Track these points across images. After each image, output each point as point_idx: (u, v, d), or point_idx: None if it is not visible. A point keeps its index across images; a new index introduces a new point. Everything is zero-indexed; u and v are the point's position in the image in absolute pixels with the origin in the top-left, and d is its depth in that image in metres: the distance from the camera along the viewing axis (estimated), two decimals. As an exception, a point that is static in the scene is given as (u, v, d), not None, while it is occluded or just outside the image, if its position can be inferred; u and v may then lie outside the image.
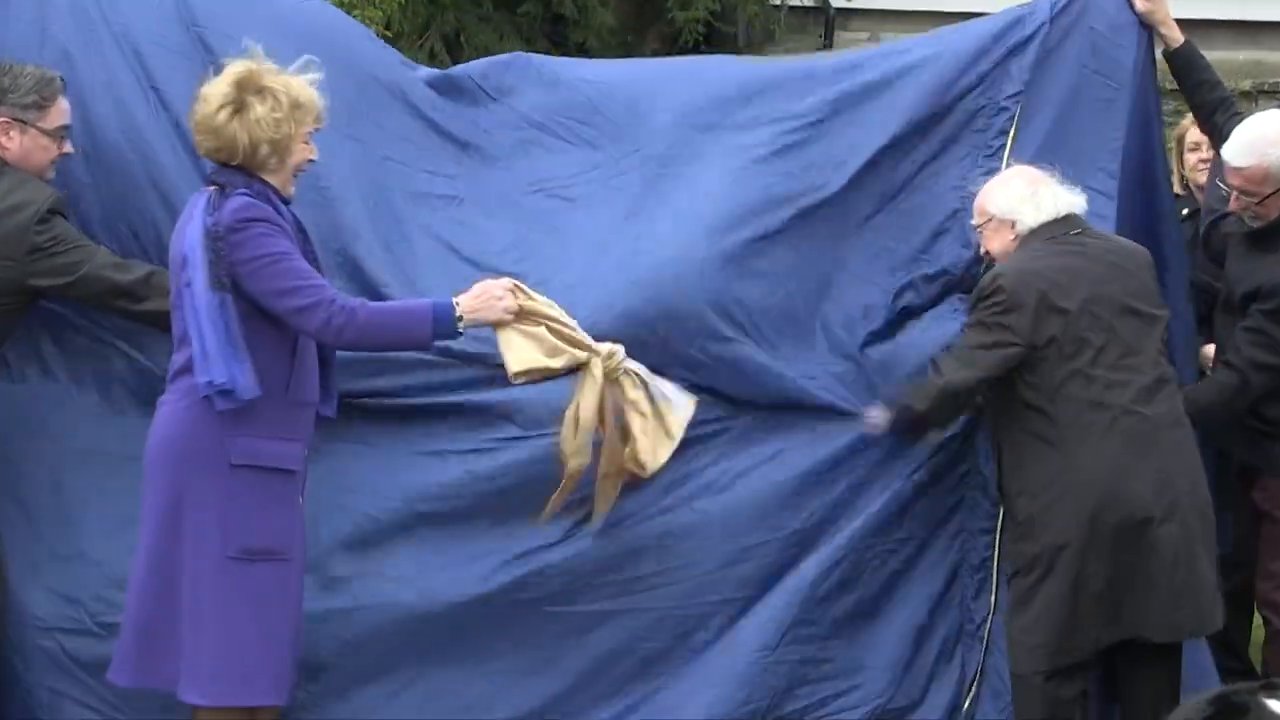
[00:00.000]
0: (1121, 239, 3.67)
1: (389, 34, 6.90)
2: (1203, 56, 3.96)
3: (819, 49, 8.88)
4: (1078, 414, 3.40)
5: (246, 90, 3.14)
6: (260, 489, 3.16)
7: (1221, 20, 7.66)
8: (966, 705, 3.66)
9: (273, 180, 3.20)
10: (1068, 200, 3.57)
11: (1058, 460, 3.41)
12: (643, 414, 3.34)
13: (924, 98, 3.74)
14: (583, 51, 8.21)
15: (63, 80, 3.40)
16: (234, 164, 3.16)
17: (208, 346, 3.07)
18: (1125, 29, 3.79)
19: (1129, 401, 3.38)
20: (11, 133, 3.34)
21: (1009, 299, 3.42)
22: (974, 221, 3.66)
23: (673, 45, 8.54)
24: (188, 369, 3.11)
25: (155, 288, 3.32)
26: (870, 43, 8.63)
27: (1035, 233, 3.54)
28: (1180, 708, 2.05)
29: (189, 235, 3.14)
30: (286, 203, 3.24)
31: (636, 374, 3.34)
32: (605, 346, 3.28)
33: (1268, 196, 3.64)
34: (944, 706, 3.66)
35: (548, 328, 3.24)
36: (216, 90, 3.15)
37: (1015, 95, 3.75)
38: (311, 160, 3.25)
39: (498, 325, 3.27)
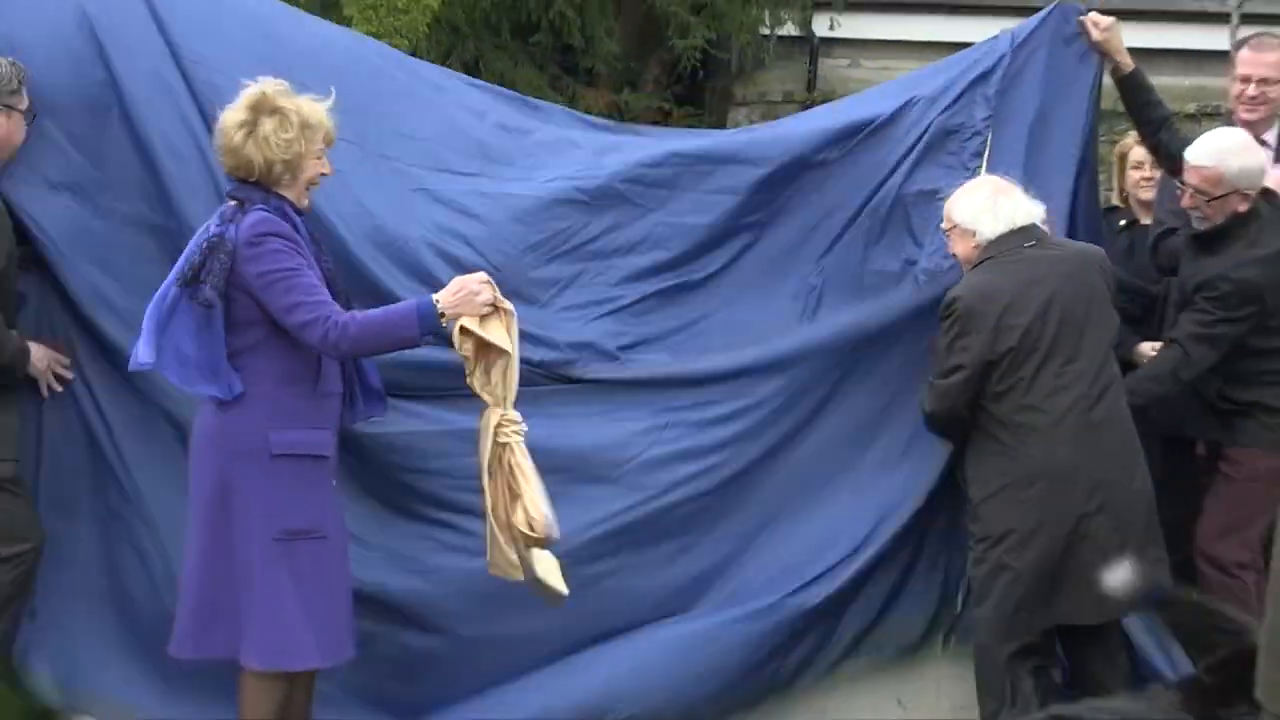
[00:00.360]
0: (1077, 244, 3.77)
1: (414, 60, 6.89)
2: (1149, 80, 4.10)
3: (805, 75, 9.05)
4: (1021, 417, 3.48)
5: (260, 112, 3.19)
6: (297, 475, 3.22)
7: (1169, 49, 7.85)
8: (959, 609, 3.84)
9: (288, 194, 3.25)
10: (1026, 211, 3.61)
11: (1003, 457, 3.52)
12: (529, 480, 3.25)
13: (899, 124, 3.90)
14: (590, 76, 8.34)
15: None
16: (252, 180, 3.22)
17: (145, 327, 3.14)
18: (1081, 57, 3.95)
19: (1067, 407, 3.46)
20: (0, 118, 3.41)
21: (964, 322, 3.49)
22: (943, 225, 3.72)
23: (672, 71, 8.56)
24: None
25: None
26: (851, 69, 8.93)
27: (994, 243, 3.58)
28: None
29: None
30: (301, 214, 3.29)
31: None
32: (512, 413, 3.27)
33: (1216, 198, 3.80)
34: (930, 611, 3.86)
35: (507, 330, 3.26)
36: (234, 113, 3.21)
37: (987, 119, 3.89)
38: (325, 174, 3.30)
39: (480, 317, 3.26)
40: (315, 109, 3.25)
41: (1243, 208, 3.82)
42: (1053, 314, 3.48)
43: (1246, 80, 4.11)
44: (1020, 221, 3.59)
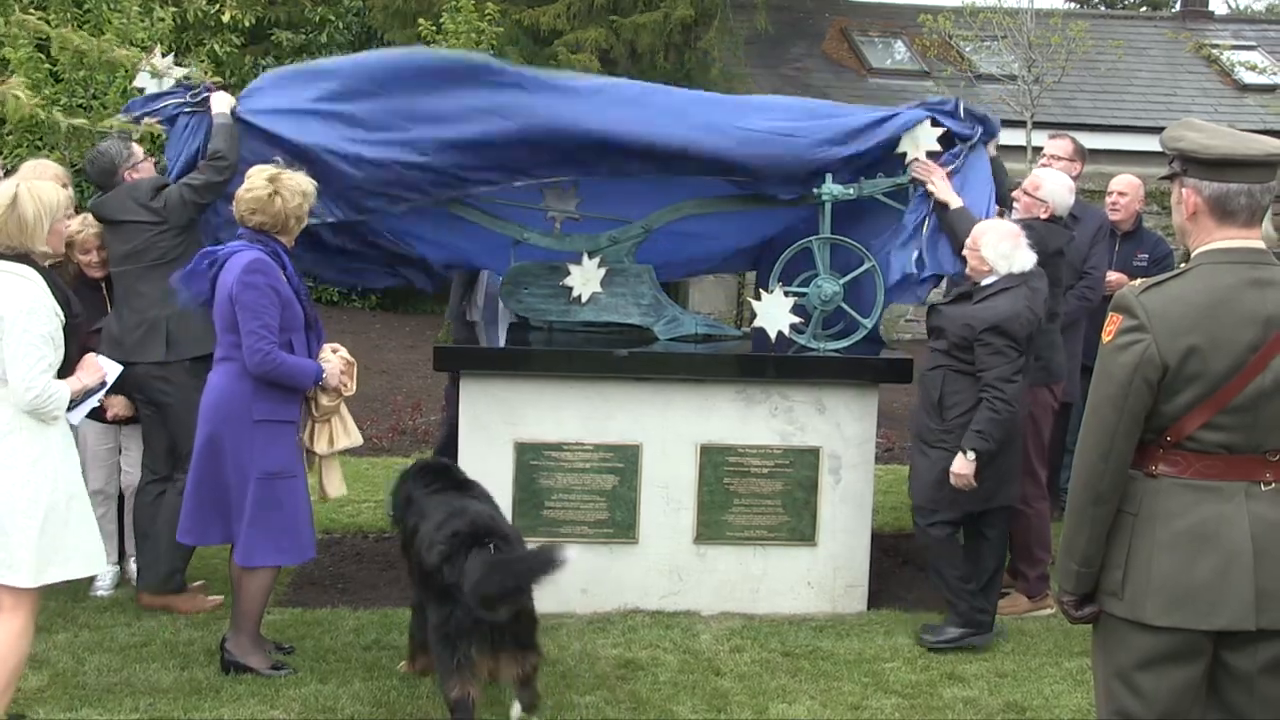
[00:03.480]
0: (1042, 276, 4.41)
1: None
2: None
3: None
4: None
5: (278, 184, 3.96)
6: (274, 434, 3.95)
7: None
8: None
9: (285, 239, 3.99)
10: (1025, 259, 4.29)
11: (972, 388, 4.27)
12: (343, 422, 4.21)
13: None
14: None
15: None
16: (267, 230, 3.93)
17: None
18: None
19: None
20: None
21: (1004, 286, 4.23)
22: (968, 245, 4.34)
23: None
24: (226, 356, 3.93)
25: None
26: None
27: (1012, 276, 4.25)
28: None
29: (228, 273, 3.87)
30: (288, 253, 3.99)
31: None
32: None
33: (1032, 197, 4.72)
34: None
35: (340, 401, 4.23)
36: (261, 184, 3.93)
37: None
38: (305, 225, 4.07)
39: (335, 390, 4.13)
40: (309, 181, 4.07)
41: (1044, 215, 4.74)
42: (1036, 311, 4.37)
43: (1043, 155, 5.57)
44: (1026, 267, 4.34)
